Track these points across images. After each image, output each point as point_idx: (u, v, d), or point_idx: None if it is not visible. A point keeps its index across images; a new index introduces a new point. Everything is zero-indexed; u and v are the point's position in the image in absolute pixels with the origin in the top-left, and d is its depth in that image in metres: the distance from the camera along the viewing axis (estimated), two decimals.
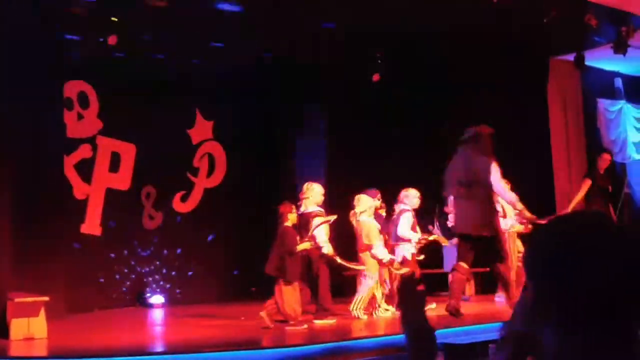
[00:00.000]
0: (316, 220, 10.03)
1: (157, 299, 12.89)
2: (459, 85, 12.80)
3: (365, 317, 10.23)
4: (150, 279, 13.10)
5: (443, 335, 8.26)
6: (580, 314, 1.58)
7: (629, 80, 14.30)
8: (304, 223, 10.00)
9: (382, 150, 13.32)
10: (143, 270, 13.05)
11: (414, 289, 2.46)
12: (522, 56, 12.15)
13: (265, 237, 13.71)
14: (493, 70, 12.26)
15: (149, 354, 8.24)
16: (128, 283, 12.90)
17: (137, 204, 13.05)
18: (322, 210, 10.27)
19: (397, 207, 11.05)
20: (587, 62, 12.39)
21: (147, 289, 12.99)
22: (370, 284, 10.32)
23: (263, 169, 13.97)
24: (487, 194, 9.56)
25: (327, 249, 10.24)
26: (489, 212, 9.61)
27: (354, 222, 10.59)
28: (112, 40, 10.58)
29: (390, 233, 10.87)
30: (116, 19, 10.31)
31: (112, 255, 12.70)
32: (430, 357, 2.46)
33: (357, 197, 10.63)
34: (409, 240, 10.81)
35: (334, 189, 12.29)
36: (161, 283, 13.20)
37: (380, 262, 10.35)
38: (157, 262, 13.20)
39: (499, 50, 11.84)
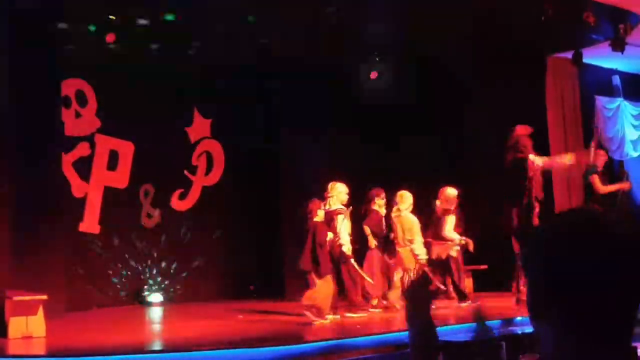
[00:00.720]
0: (339, 218, 10.33)
1: (155, 297, 12.89)
2: (458, 83, 12.79)
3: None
4: (149, 277, 13.10)
5: (441, 332, 8.27)
6: (578, 312, 1.58)
7: (627, 77, 14.29)
8: (328, 221, 10.31)
9: (382, 147, 13.31)
10: (141, 269, 13.04)
11: (423, 288, 2.49)
12: (520, 53, 12.14)
13: (264, 234, 13.82)
14: (492, 67, 12.26)
15: (147, 353, 8.24)
16: (126, 281, 12.90)
17: (135, 202, 13.05)
18: (344, 208, 10.51)
19: (439, 206, 11.45)
20: (585, 60, 12.37)
21: (146, 287, 12.98)
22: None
23: (262, 166, 13.97)
24: (523, 195, 10.15)
25: (347, 247, 10.48)
26: (525, 212, 10.14)
27: (394, 219, 10.94)
28: (110, 38, 10.58)
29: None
30: (114, 17, 10.30)
31: (111, 253, 12.70)
32: (432, 354, 2.49)
33: (399, 194, 11.00)
34: (451, 240, 11.26)
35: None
36: (159, 281, 13.19)
37: (416, 257, 10.62)
38: (156, 260, 13.19)
39: (498, 47, 11.83)
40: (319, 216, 10.15)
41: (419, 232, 10.86)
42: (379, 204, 11.20)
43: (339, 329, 9.49)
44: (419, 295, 2.50)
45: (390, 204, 11.22)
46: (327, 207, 10.39)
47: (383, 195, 11.23)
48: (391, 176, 11.95)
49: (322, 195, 10.57)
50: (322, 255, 9.93)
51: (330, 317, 9.99)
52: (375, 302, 11.10)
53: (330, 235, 10.16)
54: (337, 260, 10.41)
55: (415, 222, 10.86)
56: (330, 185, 10.61)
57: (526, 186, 10.16)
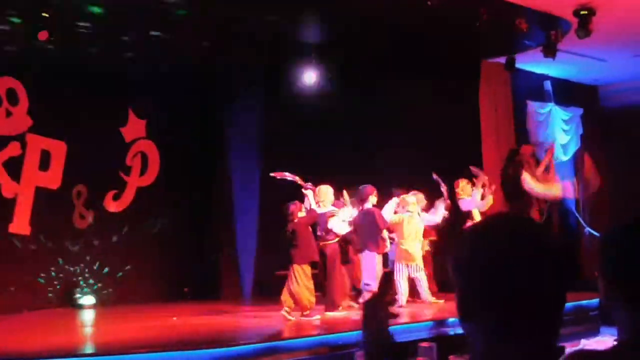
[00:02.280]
0: (334, 219, 10.88)
1: (87, 299, 12.70)
2: (393, 85, 12.83)
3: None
4: (81, 279, 12.90)
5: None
6: (507, 314, 1.61)
7: (558, 83, 14.58)
8: (322, 223, 10.86)
9: (317, 149, 13.31)
10: (73, 271, 12.84)
11: (382, 303, 2.51)
12: (455, 57, 12.28)
13: (199, 235, 13.74)
14: (427, 70, 12.35)
15: (78, 356, 8.13)
16: (58, 284, 12.68)
17: (68, 203, 12.84)
18: (336, 209, 10.96)
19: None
20: (518, 65, 12.60)
21: (78, 290, 12.78)
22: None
23: (197, 168, 13.89)
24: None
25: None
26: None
27: (405, 218, 11.43)
28: (42, 35, 10.38)
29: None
30: (47, 15, 10.11)
31: (42, 255, 12.47)
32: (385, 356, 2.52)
33: (411, 195, 11.59)
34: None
35: (270, 186, 12.30)
36: (92, 283, 13.00)
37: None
38: (88, 262, 13.00)
39: (433, 51, 11.94)
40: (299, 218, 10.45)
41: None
42: (372, 202, 11.32)
43: (274, 331, 9.48)
44: (379, 310, 2.54)
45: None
46: (320, 210, 10.74)
47: (376, 192, 11.39)
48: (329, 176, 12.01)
49: (301, 198, 10.80)
50: (307, 248, 10.29)
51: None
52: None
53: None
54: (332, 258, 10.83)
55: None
56: (317, 189, 10.88)
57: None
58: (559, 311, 1.66)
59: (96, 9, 10.17)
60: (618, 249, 2.01)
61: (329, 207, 10.90)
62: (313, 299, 10.16)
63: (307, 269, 10.26)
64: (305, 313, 10.08)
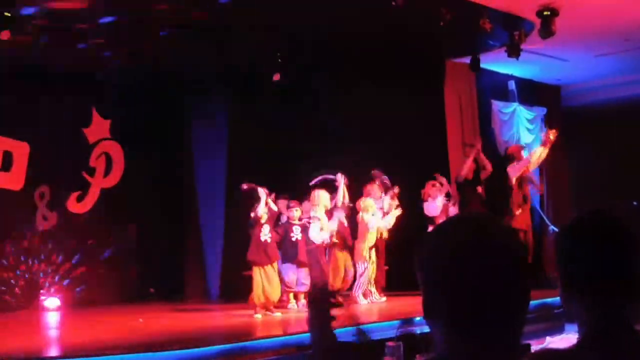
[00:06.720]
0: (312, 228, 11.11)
1: (52, 301, 12.58)
2: (359, 85, 12.84)
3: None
4: (45, 281, 12.77)
5: (340, 334, 8.33)
6: (468, 312, 1.61)
7: (521, 82, 14.70)
8: (303, 226, 11.17)
9: (284, 147, 13.27)
10: (37, 273, 12.71)
11: (325, 300, 2.52)
12: (420, 57, 12.32)
13: (165, 236, 13.66)
14: (393, 70, 12.38)
15: (42, 359, 8.04)
16: (22, 286, 12.55)
17: (31, 205, 12.70)
18: (322, 216, 11.08)
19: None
20: (482, 65, 12.68)
21: (42, 292, 12.66)
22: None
23: (162, 168, 13.80)
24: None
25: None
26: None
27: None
28: (4, 35, 10.26)
29: None
30: (9, 14, 10.00)
31: (4, 257, 12.35)
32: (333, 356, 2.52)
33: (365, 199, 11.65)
34: None
35: (237, 185, 12.25)
36: (56, 285, 12.88)
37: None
38: (52, 264, 12.88)
39: (398, 51, 11.97)
40: (263, 218, 10.64)
41: None
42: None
43: (239, 331, 9.46)
44: (322, 307, 2.55)
45: None
46: (313, 214, 11.05)
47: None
48: (298, 175, 11.99)
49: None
50: (270, 248, 10.61)
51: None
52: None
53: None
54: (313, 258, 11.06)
55: None
56: (315, 193, 11.13)
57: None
58: (523, 309, 1.67)
59: None
60: (571, 246, 2.03)
61: (322, 212, 11.06)
62: (257, 295, 10.37)
63: (258, 269, 10.49)
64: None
